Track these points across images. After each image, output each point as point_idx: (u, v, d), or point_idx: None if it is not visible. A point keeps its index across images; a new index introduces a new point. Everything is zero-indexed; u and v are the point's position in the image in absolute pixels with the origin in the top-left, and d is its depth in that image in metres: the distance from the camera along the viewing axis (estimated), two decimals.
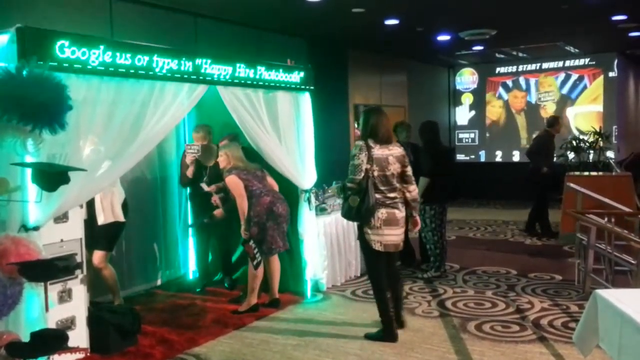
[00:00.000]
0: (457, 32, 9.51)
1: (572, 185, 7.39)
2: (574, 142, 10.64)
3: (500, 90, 13.82)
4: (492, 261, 7.39)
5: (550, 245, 8.44)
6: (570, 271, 6.50)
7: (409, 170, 4.82)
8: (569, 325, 4.90)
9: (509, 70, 13.70)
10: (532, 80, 13.48)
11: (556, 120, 9.23)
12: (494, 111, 13.95)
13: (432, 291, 6.11)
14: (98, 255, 5.21)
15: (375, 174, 4.62)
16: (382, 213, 4.62)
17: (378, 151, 4.66)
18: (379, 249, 4.66)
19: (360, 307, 5.66)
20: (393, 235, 4.69)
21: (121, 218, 5.23)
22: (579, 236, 6.13)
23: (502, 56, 12.83)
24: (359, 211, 4.62)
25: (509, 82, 13.73)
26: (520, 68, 13.55)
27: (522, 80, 13.58)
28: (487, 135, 14.04)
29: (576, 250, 6.42)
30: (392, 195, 4.68)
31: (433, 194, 6.51)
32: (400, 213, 4.72)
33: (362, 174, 4.60)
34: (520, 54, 12.65)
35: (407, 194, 4.79)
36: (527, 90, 13.53)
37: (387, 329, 4.73)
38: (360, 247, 5.20)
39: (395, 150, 4.76)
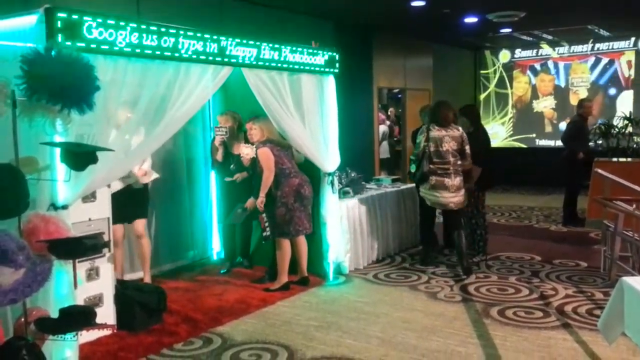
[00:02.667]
0: (485, 14, 9.35)
1: (599, 171, 7.25)
2: (602, 127, 10.45)
3: (528, 72, 13.59)
4: (516, 247, 7.33)
5: (576, 231, 8.33)
6: (596, 258, 6.42)
7: (466, 148, 6.06)
8: (594, 313, 4.86)
9: (537, 54, 13.46)
10: (561, 64, 13.23)
11: (581, 103, 9.03)
12: (520, 87, 13.69)
13: (454, 276, 6.09)
14: (142, 223, 5.48)
15: (432, 149, 5.96)
16: (432, 179, 6.01)
17: (436, 132, 6.02)
18: (429, 204, 6.21)
19: (382, 290, 5.67)
20: (441, 197, 6.03)
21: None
22: (605, 223, 6.04)
23: (529, 39, 12.59)
24: (414, 176, 6.21)
25: (537, 66, 13.49)
26: (549, 52, 13.30)
27: (550, 63, 13.33)
28: (513, 120, 13.84)
29: (602, 237, 6.33)
30: (444, 166, 5.97)
31: (488, 180, 6.59)
32: (450, 181, 5.99)
33: (420, 150, 6.04)
34: (549, 37, 12.41)
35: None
36: (556, 74, 13.28)
37: (424, 254, 6.58)
38: (419, 201, 6.66)
39: (452, 132, 6.06)
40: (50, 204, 3.57)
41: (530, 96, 13.58)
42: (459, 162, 6.05)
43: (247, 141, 5.85)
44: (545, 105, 13.47)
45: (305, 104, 5.64)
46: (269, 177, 5.45)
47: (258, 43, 5.16)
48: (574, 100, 12.95)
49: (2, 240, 2.59)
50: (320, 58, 5.81)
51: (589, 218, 8.32)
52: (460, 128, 6.15)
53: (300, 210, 5.54)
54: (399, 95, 12.66)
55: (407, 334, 4.53)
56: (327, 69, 5.90)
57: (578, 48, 13.00)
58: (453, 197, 6.02)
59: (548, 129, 13.40)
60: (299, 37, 5.94)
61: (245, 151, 5.60)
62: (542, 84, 13.47)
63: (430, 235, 6.72)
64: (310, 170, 5.83)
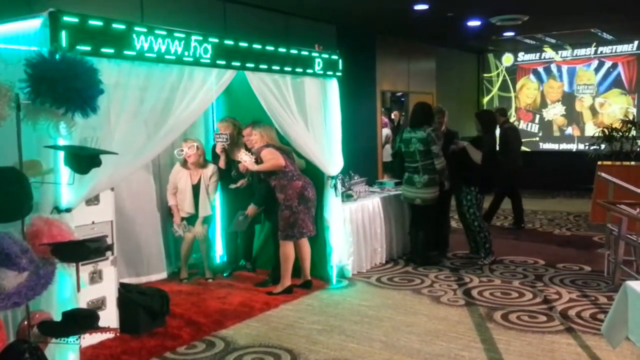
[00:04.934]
0: (488, 18, 9.35)
1: (603, 174, 7.24)
2: (606, 131, 10.42)
3: (531, 76, 13.57)
4: (520, 251, 7.32)
5: (580, 235, 8.31)
6: (600, 262, 6.39)
7: (433, 148, 6.30)
8: (598, 317, 4.84)
9: (540, 57, 13.44)
10: (564, 68, 13.21)
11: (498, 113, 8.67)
12: (529, 93, 13.65)
13: (457, 280, 6.08)
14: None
15: (403, 149, 6.51)
16: (405, 175, 6.60)
17: (406, 134, 6.50)
18: (402, 199, 6.84)
19: (386, 294, 5.66)
20: (409, 192, 6.55)
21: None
22: (609, 227, 6.02)
23: (532, 42, 12.58)
24: (394, 172, 7.26)
25: (540, 70, 13.48)
26: (552, 55, 13.28)
27: (554, 67, 13.31)
28: (517, 124, 13.81)
29: (606, 241, 6.31)
30: (413, 165, 6.43)
31: (488, 183, 6.67)
32: (417, 177, 6.42)
33: (395, 150, 6.84)
34: (552, 40, 12.40)
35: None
36: (562, 78, 13.24)
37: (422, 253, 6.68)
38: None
39: (418, 134, 6.35)
40: (53, 207, 3.58)
41: (540, 103, 13.53)
42: (428, 162, 6.34)
43: (246, 148, 5.84)
44: (555, 112, 13.40)
45: (309, 108, 5.64)
46: (274, 166, 5.45)
47: (262, 46, 5.16)
48: (579, 107, 12.96)
49: (6, 244, 2.60)
50: (324, 61, 5.82)
51: (593, 222, 8.33)
52: (427, 130, 6.32)
53: (304, 213, 5.55)
54: (402, 99, 12.65)
55: (411, 337, 4.51)
56: (330, 72, 5.90)
57: (581, 51, 12.99)
58: (420, 193, 6.40)
59: (556, 134, 13.37)
60: (303, 41, 5.96)
61: (244, 158, 5.56)
62: (550, 91, 13.42)
63: (432, 237, 6.76)
64: (313, 174, 5.82)
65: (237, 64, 4.94)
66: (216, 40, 4.73)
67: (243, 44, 5.01)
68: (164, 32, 4.29)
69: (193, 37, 4.52)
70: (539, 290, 5.69)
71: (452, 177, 6.59)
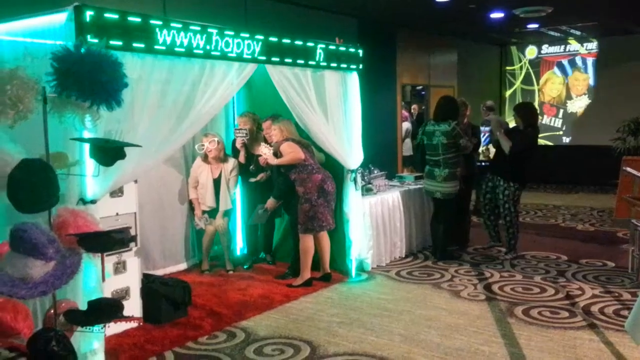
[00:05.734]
0: (512, 9, 9.24)
1: (628, 169, 7.12)
2: (632, 125, 10.26)
3: (556, 70, 13.38)
4: (542, 246, 7.25)
5: (604, 231, 8.21)
6: (624, 258, 6.32)
7: (461, 142, 6.24)
8: (621, 313, 4.79)
9: (565, 50, 13.24)
10: (590, 60, 12.99)
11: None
12: (554, 88, 13.46)
13: (478, 274, 6.05)
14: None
15: (425, 142, 6.49)
16: (426, 169, 6.58)
17: (429, 127, 6.45)
18: (424, 192, 6.83)
19: (405, 287, 5.66)
20: (429, 186, 6.53)
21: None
22: (634, 222, 5.94)
23: (557, 34, 12.40)
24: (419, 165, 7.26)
25: (565, 62, 13.28)
26: (577, 47, 13.07)
27: (578, 59, 13.10)
28: (541, 119, 13.64)
29: (630, 236, 6.23)
30: (434, 158, 6.41)
31: (524, 175, 6.59)
32: (438, 171, 6.38)
33: (417, 142, 6.70)
34: (577, 32, 12.20)
35: None
36: (588, 72, 13.02)
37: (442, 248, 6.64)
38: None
39: (442, 127, 6.31)
40: (79, 199, 3.63)
41: (565, 97, 13.34)
42: (449, 155, 6.31)
43: (265, 141, 5.89)
44: (580, 105, 13.20)
45: (329, 101, 5.65)
46: (294, 159, 5.47)
47: (284, 40, 5.17)
48: None
49: (33, 234, 2.65)
50: (344, 54, 5.81)
51: (617, 217, 8.21)
52: (452, 124, 6.27)
53: (324, 206, 5.57)
54: (423, 92, 12.58)
55: (430, 331, 4.51)
56: (351, 66, 5.89)
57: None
58: (440, 186, 6.39)
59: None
60: (323, 34, 5.95)
61: (264, 151, 5.61)
62: (576, 83, 13.21)
63: (453, 231, 6.75)
64: (333, 167, 5.83)
65: (260, 57, 4.96)
66: (237, 34, 4.75)
67: (273, 39, 5.03)
68: (187, 26, 4.32)
69: (216, 31, 4.54)
70: (561, 285, 5.64)
71: (468, 172, 6.55)
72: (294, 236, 5.84)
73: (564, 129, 13.40)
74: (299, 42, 5.31)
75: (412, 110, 12.67)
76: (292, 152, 5.48)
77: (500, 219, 6.81)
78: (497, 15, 9.73)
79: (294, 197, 5.67)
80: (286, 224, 6.40)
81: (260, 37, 4.91)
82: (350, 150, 5.87)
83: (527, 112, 6.84)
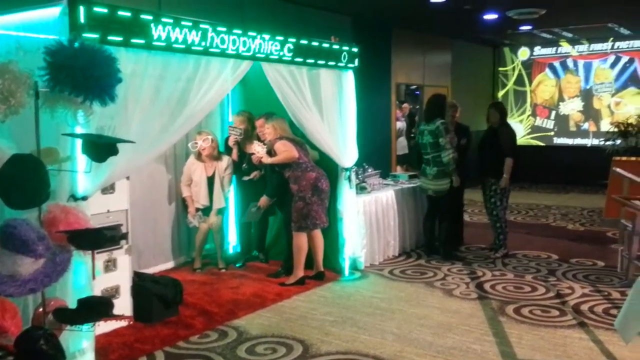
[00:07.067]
0: (505, 11, 9.26)
1: (618, 170, 7.18)
2: (621, 126, 10.31)
3: (549, 72, 13.44)
4: (533, 245, 7.28)
5: (593, 230, 8.26)
6: (613, 257, 6.35)
7: (440, 141, 6.28)
8: (610, 312, 4.81)
9: (556, 52, 13.30)
10: (581, 62, 13.06)
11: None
12: (547, 90, 13.50)
13: (470, 273, 6.06)
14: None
15: (419, 141, 6.63)
16: (421, 166, 6.69)
17: (421, 126, 6.56)
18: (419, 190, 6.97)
19: (398, 286, 5.66)
20: (422, 183, 6.66)
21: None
22: (623, 222, 5.97)
23: (549, 36, 12.45)
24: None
25: (556, 64, 13.34)
26: (568, 49, 13.13)
27: (570, 61, 13.16)
28: (532, 119, 13.69)
29: (620, 236, 6.27)
30: (426, 156, 6.49)
31: (513, 172, 6.62)
32: (429, 169, 6.47)
33: (414, 141, 6.70)
34: (569, 35, 12.26)
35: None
36: (579, 74, 13.08)
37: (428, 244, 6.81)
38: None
39: (430, 126, 6.38)
40: (70, 195, 3.60)
41: (557, 99, 13.39)
42: (437, 154, 6.34)
43: (258, 139, 5.87)
44: (572, 107, 13.25)
45: (324, 99, 5.64)
46: (288, 158, 5.46)
47: (279, 37, 5.16)
48: (597, 104, 12.81)
49: (23, 230, 2.62)
50: (340, 53, 5.80)
51: (607, 217, 8.26)
52: (437, 122, 6.32)
53: (318, 204, 5.56)
54: (417, 92, 12.60)
55: (423, 330, 4.52)
56: (346, 64, 5.89)
57: (598, 46, 12.83)
58: (431, 184, 6.49)
59: (572, 129, 13.24)
60: (319, 32, 5.94)
61: (257, 149, 5.60)
62: (568, 85, 13.26)
63: (451, 229, 6.78)
64: (327, 165, 5.83)
65: (257, 55, 4.95)
66: (233, 31, 4.73)
67: (261, 35, 5.01)
68: (181, 22, 4.29)
69: (212, 27, 4.52)
70: (552, 284, 5.66)
71: (464, 172, 6.59)
72: (287, 234, 5.82)
73: (555, 129, 13.46)
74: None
75: (402, 109, 12.70)
76: (286, 151, 5.46)
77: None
78: (490, 16, 9.75)
79: (288, 195, 5.65)
80: (279, 222, 6.38)
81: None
82: (344, 148, 5.87)
83: (504, 109, 7.04)
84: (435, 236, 6.75)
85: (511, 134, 6.75)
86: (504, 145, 6.55)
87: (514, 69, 13.90)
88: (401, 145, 11.06)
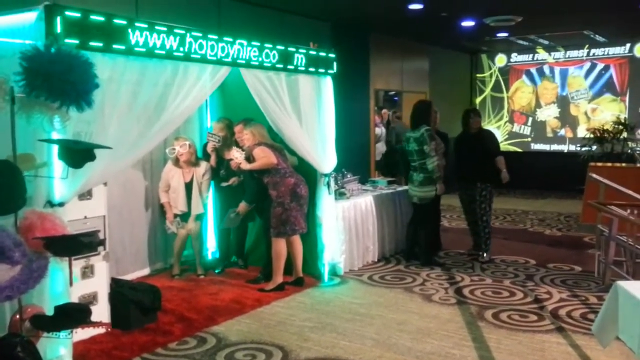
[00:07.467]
0: (482, 18, 9.38)
1: (594, 175, 7.29)
2: (597, 133, 10.50)
3: (525, 79, 13.62)
4: (511, 250, 7.36)
5: (570, 236, 8.37)
6: (590, 262, 6.44)
7: (424, 148, 6.31)
8: (588, 317, 4.88)
9: (533, 59, 13.50)
10: (557, 69, 13.27)
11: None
12: (524, 97, 13.68)
13: (449, 279, 6.10)
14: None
15: (406, 148, 6.59)
16: (409, 173, 6.74)
17: (408, 134, 6.62)
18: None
19: (377, 292, 5.68)
20: (410, 190, 6.67)
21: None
22: (600, 227, 6.07)
23: (526, 43, 12.63)
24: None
25: (533, 71, 13.54)
26: (545, 56, 13.34)
27: (546, 68, 13.37)
28: (510, 125, 13.86)
29: (597, 241, 6.36)
30: (412, 163, 6.52)
31: (496, 176, 6.73)
32: (415, 175, 6.52)
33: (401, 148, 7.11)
34: (545, 42, 12.46)
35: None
36: (556, 80, 13.29)
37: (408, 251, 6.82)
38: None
39: (414, 134, 6.42)
40: (46, 201, 3.56)
41: (534, 105, 13.57)
42: (423, 161, 6.37)
43: (237, 144, 5.85)
44: (549, 114, 13.45)
45: (303, 105, 5.65)
46: (267, 164, 5.45)
47: (257, 43, 5.16)
48: (574, 111, 13.02)
49: None
50: (318, 59, 5.82)
51: (583, 222, 8.38)
52: (422, 129, 6.36)
53: (297, 210, 5.55)
54: (396, 98, 12.67)
55: (402, 335, 4.53)
56: (324, 70, 5.90)
57: (574, 53, 13.06)
58: (416, 190, 6.50)
59: (549, 135, 13.43)
60: (297, 38, 5.96)
61: (235, 155, 5.57)
62: (545, 92, 13.46)
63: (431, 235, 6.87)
64: (306, 171, 5.83)
65: (237, 60, 4.94)
66: (211, 36, 4.72)
67: (239, 41, 5.00)
68: (159, 28, 4.27)
69: (187, 33, 4.51)
70: (530, 289, 5.72)
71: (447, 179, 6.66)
72: (267, 240, 5.81)
73: (532, 135, 13.65)
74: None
75: (382, 115, 12.78)
76: (264, 157, 5.46)
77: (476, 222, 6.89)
78: (468, 23, 9.87)
79: (267, 201, 5.64)
80: (259, 228, 6.37)
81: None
82: (323, 154, 5.88)
83: (480, 116, 7.24)
84: (416, 242, 6.78)
85: (494, 135, 7.01)
86: (492, 146, 6.73)
87: (491, 75, 14.08)
88: (378, 151, 11.12)
